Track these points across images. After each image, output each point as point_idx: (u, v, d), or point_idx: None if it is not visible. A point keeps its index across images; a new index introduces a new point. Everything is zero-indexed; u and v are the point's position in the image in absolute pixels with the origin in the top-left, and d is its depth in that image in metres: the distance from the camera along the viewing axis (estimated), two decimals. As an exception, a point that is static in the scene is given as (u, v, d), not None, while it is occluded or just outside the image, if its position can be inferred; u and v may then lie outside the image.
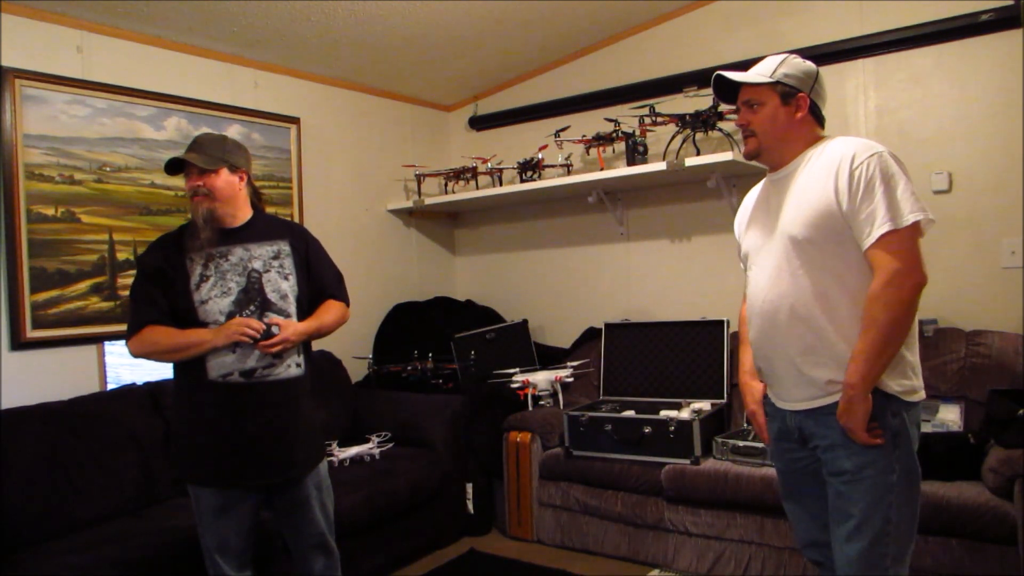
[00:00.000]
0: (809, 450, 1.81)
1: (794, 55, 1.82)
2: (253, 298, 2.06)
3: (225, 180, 2.08)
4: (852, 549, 1.67)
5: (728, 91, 1.86)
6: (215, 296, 2.04)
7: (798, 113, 1.77)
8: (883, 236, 1.61)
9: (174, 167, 2.07)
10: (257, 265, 2.09)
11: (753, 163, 3.19)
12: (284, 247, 2.16)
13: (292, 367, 2.11)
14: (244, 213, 2.14)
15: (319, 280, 2.22)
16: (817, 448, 1.76)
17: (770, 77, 1.77)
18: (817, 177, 1.72)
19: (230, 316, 2.02)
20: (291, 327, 2.06)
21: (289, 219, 2.30)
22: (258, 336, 1.99)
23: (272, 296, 2.09)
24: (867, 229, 1.63)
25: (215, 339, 1.99)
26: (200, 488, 2.06)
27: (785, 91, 1.77)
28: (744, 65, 3.68)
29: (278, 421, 2.07)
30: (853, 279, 1.68)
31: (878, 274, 1.62)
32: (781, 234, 1.76)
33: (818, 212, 1.69)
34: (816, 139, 1.81)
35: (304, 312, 2.16)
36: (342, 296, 2.28)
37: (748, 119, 1.81)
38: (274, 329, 2.02)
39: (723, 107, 3.36)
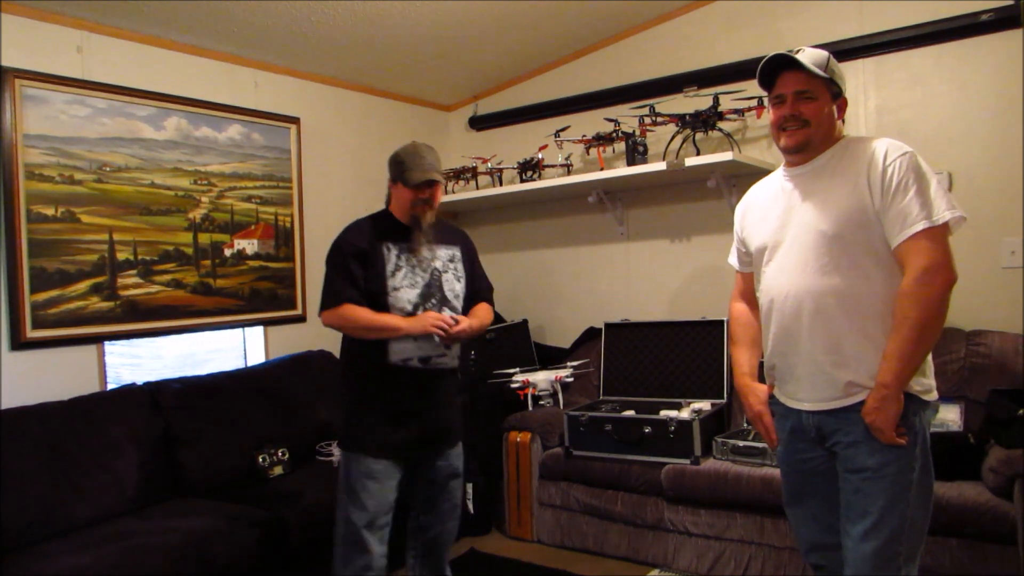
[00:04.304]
0: (824, 449, 1.79)
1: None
2: (434, 293, 2.29)
3: (441, 191, 2.37)
4: (868, 547, 1.66)
5: (769, 76, 1.80)
6: (406, 286, 2.25)
7: (840, 114, 1.79)
8: (917, 233, 1.61)
9: (427, 184, 2.27)
10: (438, 265, 2.33)
11: (753, 164, 3.22)
12: (457, 253, 2.41)
13: (455, 359, 2.36)
14: (433, 217, 2.37)
15: (476, 284, 2.47)
16: (837, 445, 1.74)
17: (825, 72, 1.74)
18: (847, 174, 1.71)
19: (416, 307, 2.24)
20: (466, 320, 2.29)
21: (457, 227, 2.59)
22: (450, 328, 2.20)
23: (448, 294, 2.33)
24: (899, 226, 1.63)
25: (411, 327, 2.19)
26: (365, 457, 2.22)
27: (835, 91, 1.77)
28: (744, 65, 3.70)
29: (440, 403, 2.32)
30: (881, 277, 1.68)
31: (909, 271, 1.62)
32: (808, 229, 1.74)
33: (849, 207, 1.68)
34: (838, 138, 1.81)
35: (464, 311, 2.38)
36: (491, 301, 2.54)
37: (801, 109, 1.75)
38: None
39: (723, 107, 3.36)
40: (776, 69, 1.78)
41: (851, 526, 1.70)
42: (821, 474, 1.82)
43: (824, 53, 1.77)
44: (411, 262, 2.27)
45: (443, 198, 4.14)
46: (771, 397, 1.93)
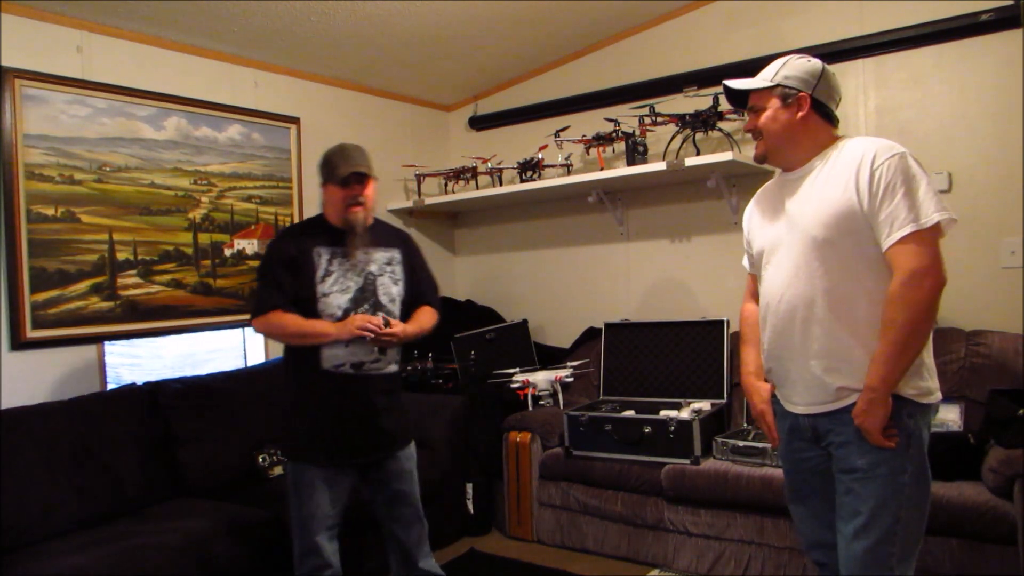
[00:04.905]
0: (821, 448, 1.80)
1: (800, 55, 1.82)
2: (368, 298, 2.25)
3: (373, 189, 2.28)
4: (858, 546, 1.67)
5: (740, 98, 1.87)
6: (336, 291, 2.21)
7: (799, 113, 1.76)
8: (905, 237, 1.60)
9: (355, 177, 2.21)
10: (373, 268, 2.28)
11: (753, 164, 3.21)
12: (396, 255, 2.35)
13: (392, 364, 2.31)
14: (371, 219, 2.32)
15: (419, 287, 2.42)
16: (831, 445, 1.76)
17: (771, 81, 1.78)
18: (837, 177, 1.71)
19: (346, 312, 2.20)
20: (400, 326, 2.24)
21: (397, 228, 2.54)
22: (377, 331, 2.16)
23: (383, 298, 2.28)
24: (887, 229, 1.63)
25: (338, 333, 2.16)
26: (307, 465, 2.22)
27: (785, 92, 1.76)
28: (744, 65, 3.71)
29: (377, 409, 2.26)
30: (872, 281, 1.68)
31: (897, 274, 1.62)
32: (801, 234, 1.75)
33: (839, 212, 1.68)
34: (832, 139, 1.80)
35: (404, 315, 2.34)
36: (437, 304, 2.48)
37: (754, 124, 1.82)
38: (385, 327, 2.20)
39: (723, 107, 3.37)
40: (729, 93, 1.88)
41: (843, 525, 1.72)
42: (820, 473, 1.83)
43: (781, 60, 1.81)
44: (343, 267, 2.23)
45: (444, 198, 4.18)
46: (773, 396, 1.94)
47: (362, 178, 2.22)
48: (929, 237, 1.61)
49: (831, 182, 1.72)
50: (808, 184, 1.78)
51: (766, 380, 1.95)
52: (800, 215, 1.76)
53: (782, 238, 1.80)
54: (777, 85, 1.77)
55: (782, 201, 1.84)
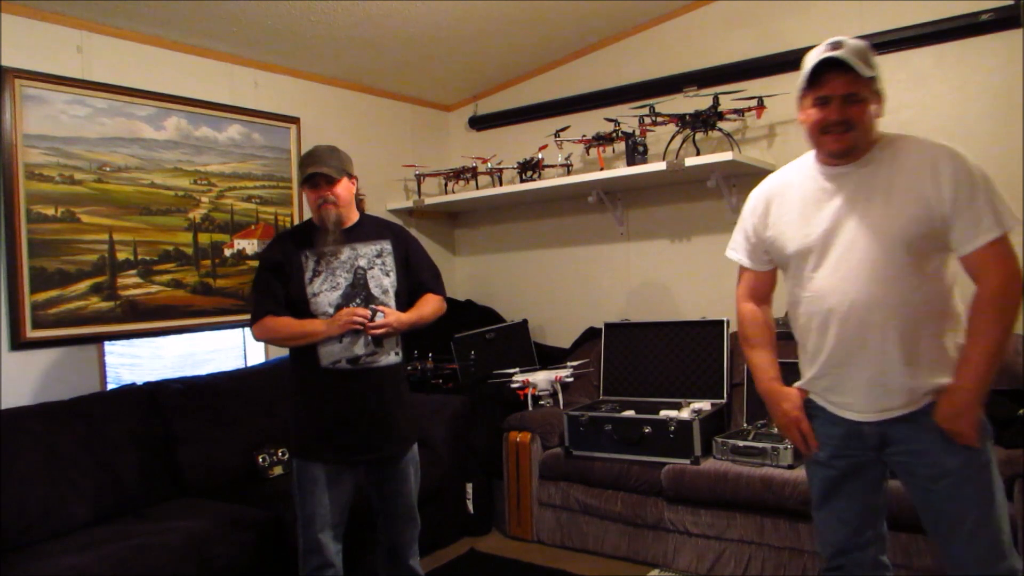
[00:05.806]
0: (874, 452, 1.74)
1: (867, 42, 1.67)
2: (359, 293, 2.28)
3: (345, 187, 2.29)
4: (976, 550, 1.64)
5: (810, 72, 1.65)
6: (326, 290, 2.25)
7: (879, 111, 1.69)
8: (992, 241, 1.59)
9: (322, 178, 2.24)
10: (362, 263, 2.30)
11: (753, 164, 3.21)
12: (386, 246, 2.37)
13: (392, 355, 2.32)
14: (354, 215, 2.36)
15: (417, 275, 2.43)
16: (905, 452, 1.70)
17: (871, 71, 1.62)
18: (907, 177, 1.64)
19: (338, 308, 2.23)
20: (394, 314, 2.27)
21: (388, 221, 2.57)
22: (366, 322, 2.19)
23: (375, 291, 2.30)
24: (971, 233, 1.59)
25: (328, 330, 2.20)
26: (311, 462, 2.24)
27: (878, 87, 1.67)
28: (744, 65, 3.70)
29: (381, 403, 2.29)
30: (946, 280, 1.67)
31: (989, 279, 1.60)
32: (872, 234, 1.65)
33: (917, 214, 1.62)
34: (876, 134, 1.71)
35: (403, 305, 2.36)
36: (439, 290, 2.47)
37: (850, 114, 1.63)
38: (379, 316, 2.23)
39: (723, 107, 3.36)
40: (822, 67, 1.63)
41: (951, 532, 1.67)
42: (861, 475, 1.77)
43: (864, 44, 1.63)
44: (331, 266, 2.26)
45: (444, 198, 4.18)
46: (809, 400, 1.84)
47: (329, 178, 2.24)
48: (1008, 242, 1.61)
49: (899, 181, 1.64)
50: (866, 182, 1.68)
51: (809, 388, 1.84)
52: (867, 215, 1.66)
53: (838, 238, 1.69)
54: (873, 77, 1.64)
55: (830, 198, 1.72)
